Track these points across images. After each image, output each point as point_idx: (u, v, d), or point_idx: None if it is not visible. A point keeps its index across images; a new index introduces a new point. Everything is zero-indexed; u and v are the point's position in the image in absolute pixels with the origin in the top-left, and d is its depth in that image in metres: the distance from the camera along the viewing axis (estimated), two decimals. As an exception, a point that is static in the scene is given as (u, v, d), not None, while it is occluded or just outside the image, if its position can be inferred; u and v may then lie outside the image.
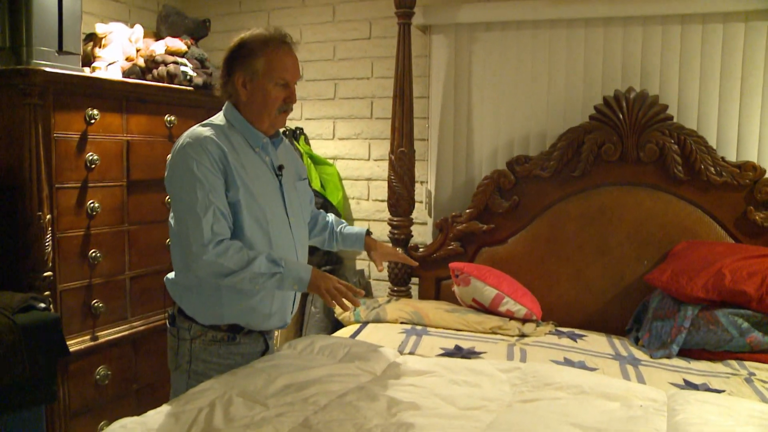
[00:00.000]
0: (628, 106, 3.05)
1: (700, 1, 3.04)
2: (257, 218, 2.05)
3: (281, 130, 2.27)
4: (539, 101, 3.39)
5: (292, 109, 2.14)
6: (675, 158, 3.00)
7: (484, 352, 2.62)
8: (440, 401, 1.98)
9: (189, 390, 1.98)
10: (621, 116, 3.06)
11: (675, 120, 3.07)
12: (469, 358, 2.53)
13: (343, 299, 2.00)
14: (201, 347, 2.13)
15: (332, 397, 1.98)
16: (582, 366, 2.47)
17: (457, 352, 2.61)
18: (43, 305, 2.35)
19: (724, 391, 2.25)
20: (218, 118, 2.13)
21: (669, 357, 2.61)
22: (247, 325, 2.15)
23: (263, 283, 1.96)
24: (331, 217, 2.55)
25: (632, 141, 3.06)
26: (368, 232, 2.50)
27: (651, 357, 2.61)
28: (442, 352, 2.62)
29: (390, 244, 3.40)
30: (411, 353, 2.59)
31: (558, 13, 3.28)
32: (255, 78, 2.05)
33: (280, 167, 2.16)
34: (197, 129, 2.06)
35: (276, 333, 3.56)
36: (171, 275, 2.19)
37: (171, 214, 2.09)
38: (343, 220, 2.57)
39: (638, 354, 2.65)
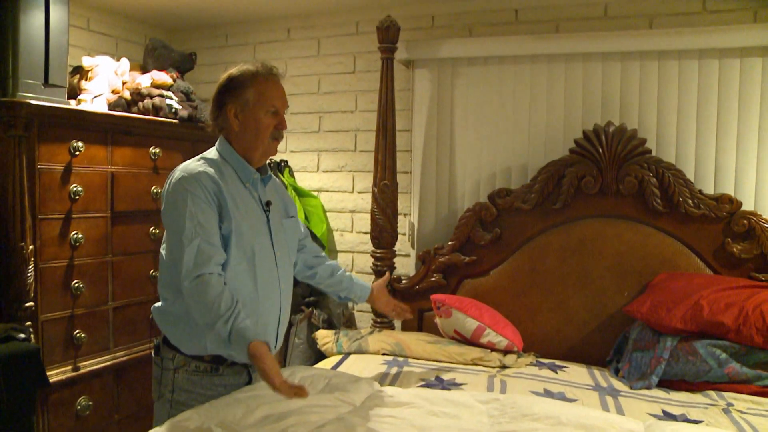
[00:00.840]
0: (608, 139, 3.10)
1: (676, 38, 3.12)
2: (244, 251, 2.07)
3: (269, 166, 2.30)
4: (521, 135, 3.44)
5: (283, 137, 2.19)
6: (654, 191, 3.04)
7: (465, 384, 2.62)
8: (418, 432, 1.99)
9: (168, 420, 1.97)
10: (600, 150, 3.11)
11: (653, 153, 3.12)
12: (449, 389, 2.54)
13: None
14: (184, 377, 2.12)
15: (310, 428, 1.98)
16: (561, 397, 2.47)
17: (438, 384, 2.61)
18: (23, 335, 2.36)
19: (702, 421, 2.27)
20: (211, 153, 2.16)
21: (648, 388, 2.62)
22: (230, 356, 2.14)
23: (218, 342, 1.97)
24: (334, 263, 2.58)
25: (612, 174, 3.11)
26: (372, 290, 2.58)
27: (631, 388, 2.63)
28: (422, 383, 2.62)
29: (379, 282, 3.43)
30: (392, 384, 2.59)
31: (539, 48, 3.35)
32: (246, 108, 2.10)
33: (268, 203, 2.20)
34: (191, 164, 2.10)
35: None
36: (158, 304, 2.19)
37: (163, 245, 2.10)
38: (340, 266, 2.60)
39: (618, 385, 2.67)
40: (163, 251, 2.10)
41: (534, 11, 3.52)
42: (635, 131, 3.10)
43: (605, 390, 2.60)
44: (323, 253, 2.59)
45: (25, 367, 2.30)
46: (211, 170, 2.06)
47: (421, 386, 2.58)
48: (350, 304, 3.99)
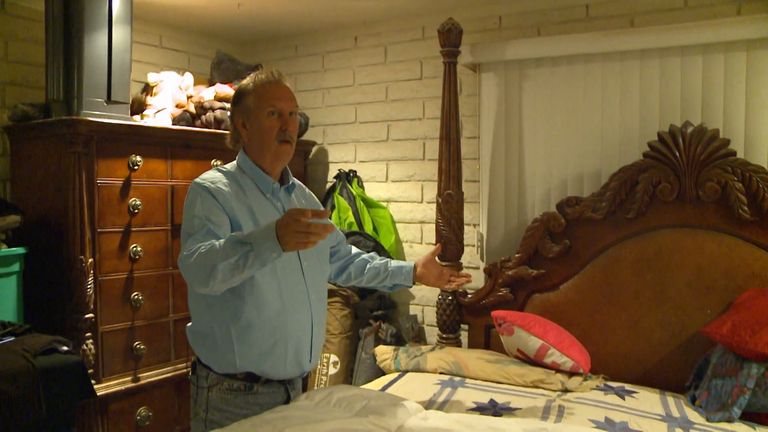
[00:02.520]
0: (685, 141, 2.82)
1: (766, 24, 2.79)
2: None
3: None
4: (593, 139, 3.20)
5: (293, 139, 2.10)
6: (739, 197, 2.73)
7: (519, 409, 2.43)
8: (446, 463, 1.84)
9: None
10: (677, 153, 2.83)
11: (740, 155, 2.81)
12: (501, 414, 2.36)
13: (316, 235, 1.67)
14: (218, 396, 2.09)
15: (334, 454, 1.88)
16: (623, 428, 2.24)
17: (490, 407, 2.44)
18: (66, 348, 2.39)
19: (788, 463, 1.98)
20: (230, 165, 2.15)
21: (729, 421, 2.32)
22: (262, 373, 2.09)
23: (244, 266, 1.74)
24: (366, 256, 2.45)
25: (691, 179, 2.82)
26: (415, 266, 2.39)
27: (707, 420, 2.34)
28: (474, 406, 2.46)
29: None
30: (441, 407, 2.44)
31: (612, 45, 3.10)
32: (250, 115, 2.07)
33: None
34: (206, 173, 2.10)
35: (324, 380, 3.51)
36: (189, 324, 2.18)
37: None
38: (382, 257, 2.46)
39: (693, 416, 2.39)
40: None
41: (606, 5, 3.28)
42: (717, 131, 2.80)
43: (676, 421, 2.33)
44: (355, 250, 2.47)
45: (67, 378, 2.33)
46: (223, 178, 2.05)
47: (472, 410, 2.42)
48: (419, 318, 3.86)
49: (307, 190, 2.38)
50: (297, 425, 2.01)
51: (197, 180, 2.04)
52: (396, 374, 2.92)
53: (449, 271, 2.40)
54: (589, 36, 3.17)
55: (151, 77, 3.37)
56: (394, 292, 3.21)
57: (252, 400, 2.10)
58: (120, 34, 3.05)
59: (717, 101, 2.94)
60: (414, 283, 2.41)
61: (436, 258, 2.44)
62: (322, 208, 2.37)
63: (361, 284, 2.43)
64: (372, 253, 2.49)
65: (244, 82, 2.13)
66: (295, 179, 2.25)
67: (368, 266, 2.40)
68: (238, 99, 2.12)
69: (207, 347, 2.08)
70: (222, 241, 1.77)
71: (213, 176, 2.06)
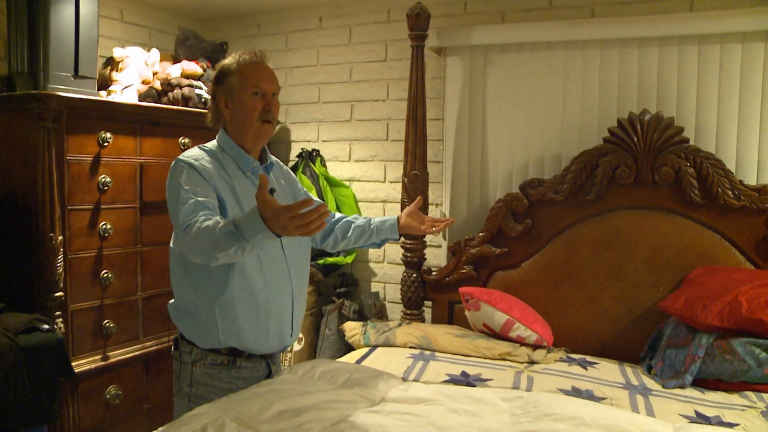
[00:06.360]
0: (643, 128, 2.99)
1: (719, 21, 2.97)
2: None
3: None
4: (554, 123, 3.34)
5: (275, 119, 2.14)
6: (691, 181, 2.92)
7: (491, 380, 2.56)
8: (435, 431, 1.94)
9: (185, 414, 1.97)
10: (635, 139, 3.00)
11: (692, 143, 2.99)
12: (474, 385, 2.48)
13: (314, 222, 1.66)
14: (202, 371, 2.13)
15: (326, 425, 1.96)
16: (589, 395, 2.40)
17: (463, 379, 2.56)
18: (46, 326, 2.38)
19: (738, 424, 2.16)
20: (211, 143, 2.18)
21: (682, 387, 2.52)
22: (245, 348, 2.14)
23: (242, 254, 1.77)
24: (348, 218, 2.50)
25: (647, 164, 3.00)
26: (398, 218, 2.46)
27: (663, 387, 2.53)
28: (447, 378, 2.57)
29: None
30: (416, 379, 2.55)
31: (573, 34, 3.24)
32: (233, 94, 2.10)
33: (272, 190, 2.16)
34: (188, 150, 2.13)
35: (288, 356, 3.57)
36: (172, 301, 2.20)
37: (172, 236, 2.10)
38: (356, 218, 2.50)
39: (650, 383, 2.57)
40: (172, 244, 2.09)
41: (568, -5, 3.41)
42: (672, 119, 2.98)
43: (636, 388, 2.51)
44: (338, 214, 2.52)
45: (49, 357, 2.33)
46: (206, 156, 2.08)
47: (446, 381, 2.53)
48: (381, 296, 3.96)
49: (284, 167, 2.42)
50: (286, 398, 2.08)
51: (181, 157, 2.05)
52: (366, 349, 3.00)
53: (432, 218, 2.50)
54: (552, 24, 3.29)
55: (117, 52, 3.32)
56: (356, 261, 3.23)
57: (235, 374, 2.15)
58: (87, 6, 3.00)
59: (671, 91, 3.12)
60: (400, 236, 2.48)
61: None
62: (299, 185, 2.43)
63: (349, 246, 2.48)
64: (355, 215, 2.55)
65: (227, 61, 2.14)
66: (272, 157, 2.29)
67: (353, 226, 2.45)
68: (221, 78, 2.14)
69: (190, 323, 2.12)
70: (216, 225, 1.76)
71: (196, 154, 2.09)
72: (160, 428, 1.90)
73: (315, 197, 2.53)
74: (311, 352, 3.86)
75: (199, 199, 1.91)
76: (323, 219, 1.66)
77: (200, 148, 2.14)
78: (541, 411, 2.08)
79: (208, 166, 2.04)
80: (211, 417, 1.91)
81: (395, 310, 3.90)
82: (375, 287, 4.00)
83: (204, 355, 2.12)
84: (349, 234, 2.46)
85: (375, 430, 1.91)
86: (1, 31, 3.08)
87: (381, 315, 3.92)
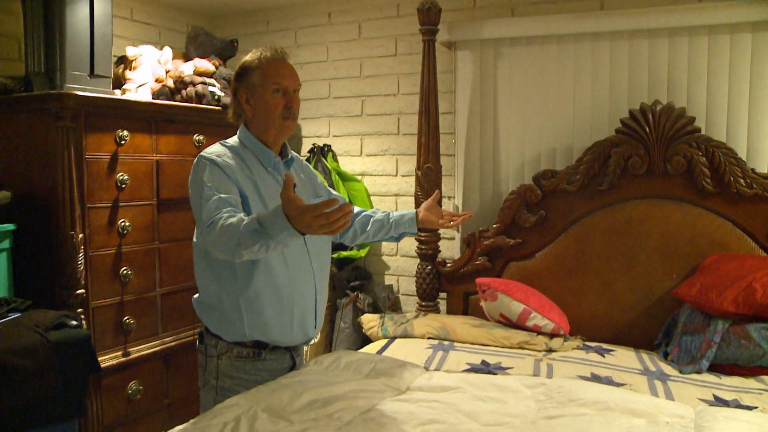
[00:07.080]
0: (654, 118, 3.02)
1: (727, 11, 3.00)
2: None
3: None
4: (565, 115, 3.38)
5: (296, 116, 2.18)
6: (703, 170, 2.96)
7: (511, 368, 2.60)
8: (464, 417, 1.99)
9: (215, 406, 2.01)
10: (647, 129, 3.03)
11: (703, 132, 3.03)
12: (495, 373, 2.52)
13: (337, 221, 1.67)
14: (228, 364, 2.16)
15: (356, 413, 2.00)
16: (609, 381, 2.44)
17: (484, 368, 2.60)
18: (74, 323, 2.42)
19: (756, 407, 2.20)
20: (232, 140, 2.21)
21: (699, 372, 2.56)
22: (270, 340, 2.17)
23: (267, 251, 1.81)
24: (367, 212, 2.53)
25: (659, 154, 3.04)
26: (416, 213, 2.50)
27: (680, 372, 2.57)
28: (468, 367, 2.61)
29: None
30: (437, 369, 2.59)
31: (583, 27, 3.27)
32: (254, 91, 2.13)
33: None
34: (210, 147, 2.15)
35: (305, 348, 3.61)
36: (196, 296, 2.24)
37: (195, 232, 2.13)
38: (375, 212, 2.53)
39: (667, 369, 2.61)
40: (195, 240, 2.12)
41: (577, -12, 3.44)
42: (683, 109, 3.02)
43: (654, 374, 2.55)
44: (357, 208, 2.54)
45: (78, 352, 2.36)
46: (228, 152, 2.10)
47: (467, 371, 2.57)
48: (395, 288, 3.99)
49: (303, 162, 2.45)
50: (315, 388, 2.12)
51: (203, 153, 2.08)
52: (384, 341, 3.04)
53: (449, 213, 2.55)
54: (562, 17, 3.32)
55: (130, 51, 3.35)
56: (370, 255, 3.29)
57: (261, 366, 2.19)
58: (101, 5, 3.02)
59: (681, 81, 3.15)
60: (418, 230, 2.53)
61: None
62: (318, 180, 2.46)
63: (368, 240, 2.51)
64: (373, 209, 2.58)
65: (248, 58, 2.17)
66: (293, 152, 2.32)
67: (372, 220, 2.48)
68: (242, 75, 2.16)
69: (216, 317, 2.15)
70: (240, 222, 1.78)
71: (218, 150, 2.11)
72: (192, 419, 1.94)
73: (337, 193, 2.57)
74: (327, 345, 3.89)
75: (222, 195, 1.94)
76: (347, 218, 1.68)
77: (222, 144, 2.17)
78: (565, 396, 2.12)
79: (231, 162, 2.07)
80: (243, 408, 1.95)
81: (409, 303, 3.94)
82: (389, 280, 4.03)
83: (229, 348, 2.15)
84: (368, 228, 2.49)
85: (405, 418, 1.95)
86: (17, 33, 3.11)
87: (395, 307, 3.96)
